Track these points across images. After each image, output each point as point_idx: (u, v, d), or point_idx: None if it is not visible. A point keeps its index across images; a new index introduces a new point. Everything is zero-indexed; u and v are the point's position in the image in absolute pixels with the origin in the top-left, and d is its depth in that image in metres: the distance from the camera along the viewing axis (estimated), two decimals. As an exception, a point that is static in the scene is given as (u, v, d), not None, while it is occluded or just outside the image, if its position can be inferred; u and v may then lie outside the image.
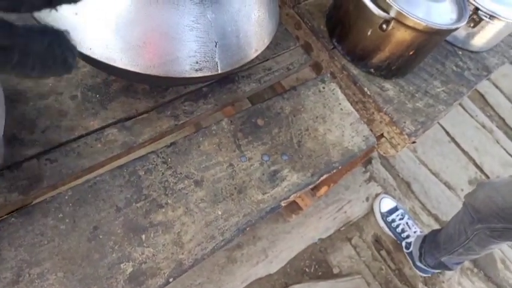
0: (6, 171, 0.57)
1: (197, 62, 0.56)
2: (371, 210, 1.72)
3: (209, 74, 0.58)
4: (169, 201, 0.63)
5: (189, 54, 0.55)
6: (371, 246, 1.66)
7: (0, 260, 0.52)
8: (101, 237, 0.57)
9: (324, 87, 0.85)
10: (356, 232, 1.67)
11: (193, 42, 0.54)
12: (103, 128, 0.65)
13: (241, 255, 1.44)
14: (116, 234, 0.58)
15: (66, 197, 0.58)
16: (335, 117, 0.82)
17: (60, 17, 0.50)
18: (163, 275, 0.58)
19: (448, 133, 2.09)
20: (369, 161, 1.84)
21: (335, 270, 1.56)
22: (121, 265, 0.56)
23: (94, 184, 0.60)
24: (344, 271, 1.57)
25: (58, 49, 0.27)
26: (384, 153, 0.93)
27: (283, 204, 0.71)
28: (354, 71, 0.90)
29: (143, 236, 0.59)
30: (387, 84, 0.91)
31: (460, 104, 2.22)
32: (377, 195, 1.75)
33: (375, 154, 1.84)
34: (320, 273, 1.53)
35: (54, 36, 0.27)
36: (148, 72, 0.54)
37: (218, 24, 0.56)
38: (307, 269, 1.53)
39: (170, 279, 0.58)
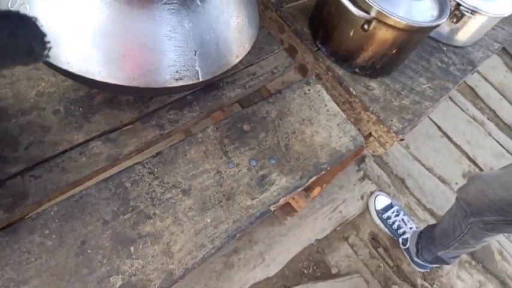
0: (-9, 190, 0.57)
1: (177, 72, 0.56)
2: (366, 209, 1.72)
3: (190, 82, 0.58)
4: (156, 211, 0.63)
5: (169, 64, 0.55)
6: (368, 244, 1.66)
7: (-14, 280, 0.51)
8: (89, 251, 0.57)
9: (309, 89, 0.85)
10: (353, 231, 1.67)
11: (172, 51, 0.54)
12: (87, 141, 0.65)
13: (238, 260, 1.44)
14: (104, 248, 0.58)
15: (52, 213, 0.57)
16: (322, 119, 0.83)
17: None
18: (153, 287, 0.58)
19: (439, 128, 2.10)
20: (362, 160, 1.84)
21: (333, 270, 1.55)
22: (111, 278, 0.56)
23: (80, 198, 0.59)
24: (342, 270, 1.56)
25: (22, 39, 0.24)
26: (373, 152, 0.93)
27: (272, 208, 0.71)
28: (339, 71, 0.91)
29: (132, 248, 0.59)
30: (373, 83, 0.91)
31: (451, 98, 2.23)
32: (371, 193, 1.75)
33: (368, 152, 1.84)
34: (318, 274, 1.53)
35: (19, 24, 0.24)
36: (128, 84, 0.54)
37: (196, 33, 0.56)
38: (305, 271, 1.52)
39: (161, 290, 0.58)
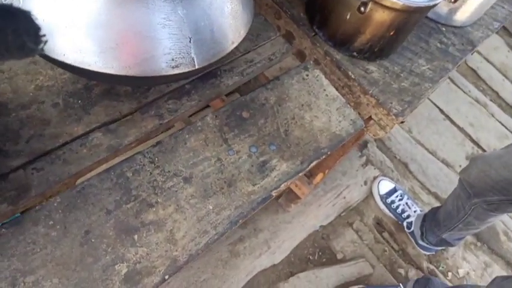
0: (-5, 183, 0.58)
1: (173, 59, 0.56)
2: (370, 194, 1.72)
3: (186, 70, 0.58)
4: (159, 200, 0.63)
5: (164, 52, 0.55)
6: (373, 229, 1.67)
7: (-6, 271, 0.52)
8: (93, 240, 0.57)
9: (307, 75, 0.85)
10: (357, 216, 1.67)
11: (166, 39, 0.54)
12: (87, 133, 0.66)
13: (243, 248, 1.45)
14: (108, 237, 0.58)
15: (55, 204, 0.58)
16: (321, 104, 0.82)
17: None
18: (158, 273, 0.58)
19: (442, 111, 2.09)
20: (364, 145, 1.84)
21: (339, 256, 1.56)
22: (116, 266, 0.57)
23: (82, 189, 0.60)
24: (348, 256, 1.57)
25: (13, 35, 0.23)
26: (373, 135, 0.93)
27: (274, 194, 0.71)
28: (337, 56, 0.90)
29: (136, 236, 0.60)
30: (372, 67, 0.91)
31: (452, 81, 2.22)
32: (374, 178, 1.75)
33: (370, 138, 1.84)
34: (324, 260, 1.54)
35: (9, 19, 0.23)
36: (124, 73, 0.54)
37: (190, 20, 0.56)
38: (311, 257, 1.53)
39: (166, 277, 0.59)
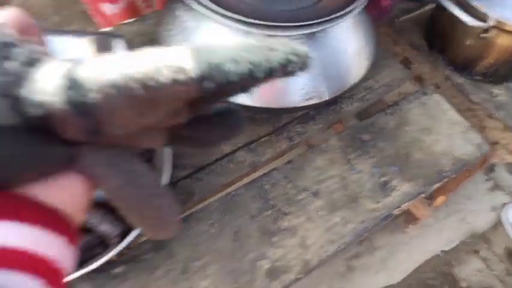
0: (170, 188, 0.76)
1: (306, 93, 0.68)
2: (498, 221, 1.60)
3: (317, 101, 0.69)
4: (291, 210, 0.75)
5: (299, 88, 0.67)
6: (504, 260, 1.54)
7: (170, 255, 0.69)
8: (242, 239, 0.71)
9: (427, 99, 0.89)
10: (484, 244, 1.57)
11: (302, 77, 0.67)
12: (233, 151, 0.81)
13: (360, 264, 1.49)
14: (252, 237, 0.72)
15: (213, 207, 0.74)
16: (442, 128, 0.86)
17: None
18: (293, 272, 0.69)
19: None
20: (491, 169, 1.72)
21: (463, 284, 1.49)
22: (260, 262, 0.69)
23: (233, 196, 0.75)
24: (474, 285, 1.49)
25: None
26: (500, 160, 0.92)
27: (396, 212, 0.77)
28: (459, 80, 0.92)
29: (274, 239, 0.72)
30: (497, 90, 0.91)
31: None
32: (504, 204, 1.63)
33: (498, 161, 1.71)
34: (446, 287, 1.49)
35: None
36: (267, 106, 0.68)
37: (321, 60, 0.67)
38: (431, 282, 1.49)
39: (299, 276, 0.69)
